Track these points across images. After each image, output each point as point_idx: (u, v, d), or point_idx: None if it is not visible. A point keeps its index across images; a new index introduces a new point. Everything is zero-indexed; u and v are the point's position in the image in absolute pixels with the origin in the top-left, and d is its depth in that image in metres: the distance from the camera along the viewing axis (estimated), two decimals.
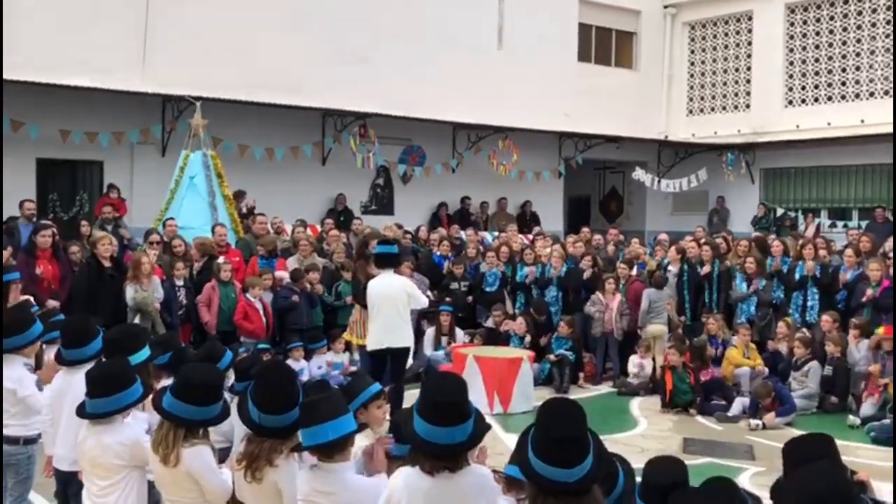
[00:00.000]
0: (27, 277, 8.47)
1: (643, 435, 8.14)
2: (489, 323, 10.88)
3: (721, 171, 18.34)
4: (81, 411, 3.59)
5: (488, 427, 3.02)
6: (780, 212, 17.95)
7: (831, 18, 17.63)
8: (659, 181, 18.03)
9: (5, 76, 11.92)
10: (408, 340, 7.57)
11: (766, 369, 9.19)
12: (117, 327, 4.80)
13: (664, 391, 9.15)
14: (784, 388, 8.69)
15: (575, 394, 9.95)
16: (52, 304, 8.54)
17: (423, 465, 2.78)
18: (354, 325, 8.43)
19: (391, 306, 7.39)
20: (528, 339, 10.14)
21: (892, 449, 7.49)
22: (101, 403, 3.52)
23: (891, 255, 10.17)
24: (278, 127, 14.53)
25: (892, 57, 16.62)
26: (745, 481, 6.56)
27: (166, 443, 3.27)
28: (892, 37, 16.55)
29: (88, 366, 3.90)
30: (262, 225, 11.16)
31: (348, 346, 9.67)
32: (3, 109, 11.79)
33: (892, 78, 16.61)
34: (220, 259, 9.68)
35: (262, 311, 9.50)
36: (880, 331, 8.71)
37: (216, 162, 11.56)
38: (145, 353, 4.11)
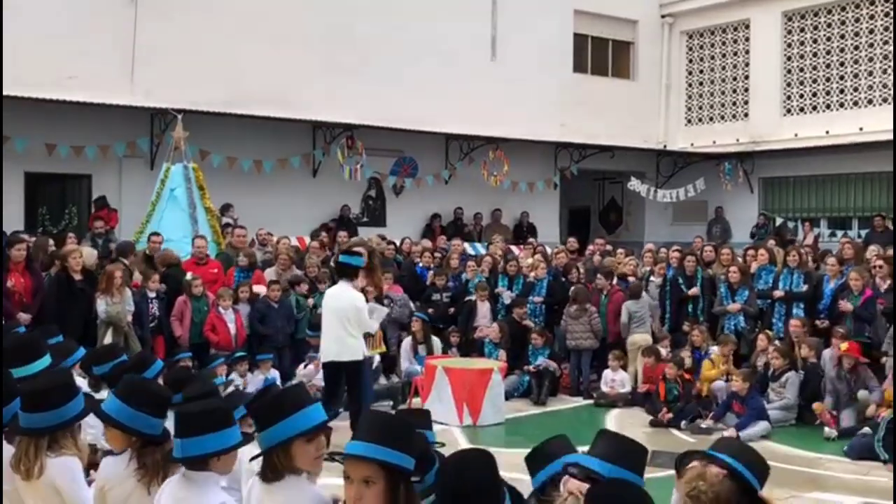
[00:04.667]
0: None
1: None
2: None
3: (720, 180, 18.17)
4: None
5: None
6: (779, 221, 17.72)
7: (829, 26, 17.44)
8: (655, 191, 17.86)
9: None
10: (355, 354, 7.40)
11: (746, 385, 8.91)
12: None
13: (658, 401, 9.04)
14: (756, 399, 8.48)
15: (552, 405, 9.86)
16: (24, 317, 8.58)
17: None
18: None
19: (337, 319, 7.32)
20: (502, 353, 10.00)
21: (864, 463, 7.33)
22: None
23: (876, 263, 9.95)
24: (268, 140, 14.56)
25: (890, 64, 16.40)
26: None
27: (27, 458, 3.14)
28: (890, 44, 16.34)
29: None
30: (240, 238, 11.16)
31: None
32: None
33: (890, 85, 16.39)
34: (189, 276, 9.68)
35: (233, 323, 9.48)
36: (843, 346, 8.52)
37: (198, 174, 11.59)
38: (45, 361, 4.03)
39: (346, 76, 15.07)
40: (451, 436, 8.25)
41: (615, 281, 10.96)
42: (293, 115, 14.25)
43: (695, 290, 10.67)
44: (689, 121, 19.74)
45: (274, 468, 2.61)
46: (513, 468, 6.88)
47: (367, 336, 7.88)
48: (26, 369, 3.75)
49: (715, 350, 9.56)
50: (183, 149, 11.77)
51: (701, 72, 19.54)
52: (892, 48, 16.29)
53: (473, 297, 10.94)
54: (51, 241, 10.15)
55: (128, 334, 8.97)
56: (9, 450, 3.30)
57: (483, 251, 13.67)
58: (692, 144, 19.23)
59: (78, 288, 8.96)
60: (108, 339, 8.79)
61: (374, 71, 15.34)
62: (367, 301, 7.78)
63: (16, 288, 8.76)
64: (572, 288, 10.63)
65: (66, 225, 13.38)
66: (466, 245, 13.92)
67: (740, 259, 11.13)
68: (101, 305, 8.89)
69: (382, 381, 9.94)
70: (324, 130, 15.21)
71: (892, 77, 16.38)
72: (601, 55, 19.33)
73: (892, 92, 16.39)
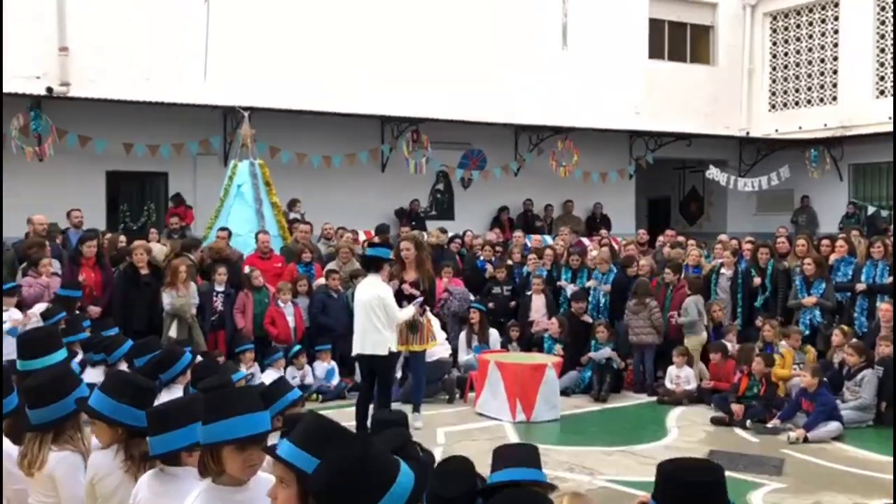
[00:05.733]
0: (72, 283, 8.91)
1: (668, 446, 7.68)
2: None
3: (806, 168, 17.32)
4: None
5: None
6: (870, 210, 16.75)
7: None
8: (736, 180, 17.17)
9: (74, 94, 12.69)
10: (380, 349, 7.33)
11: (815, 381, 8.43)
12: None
13: (734, 396, 8.63)
14: (826, 396, 7.99)
15: (614, 402, 9.59)
16: (94, 310, 8.95)
17: None
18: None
19: (364, 312, 7.30)
20: (558, 348, 9.77)
21: None
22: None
23: None
24: (337, 135, 14.72)
25: None
26: (758, 498, 6.08)
27: (31, 453, 3.22)
28: None
29: None
30: (304, 234, 11.31)
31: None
32: (72, 125, 12.56)
33: None
34: (247, 269, 9.87)
35: (292, 316, 9.62)
36: None
37: (264, 170, 11.80)
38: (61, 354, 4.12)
39: (415, 69, 15.06)
40: (502, 431, 8.16)
41: (684, 275, 10.54)
42: (361, 111, 14.36)
43: (757, 281, 10.15)
44: (774, 106, 18.88)
45: (204, 468, 2.55)
46: (558, 466, 6.79)
47: (416, 330, 7.81)
48: (40, 362, 3.85)
49: (783, 345, 9.06)
50: (250, 146, 12.01)
51: (786, 54, 18.65)
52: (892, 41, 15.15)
53: (530, 292, 10.74)
54: (122, 238, 10.51)
55: (192, 327, 9.20)
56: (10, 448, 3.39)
57: (551, 243, 13.42)
58: (776, 131, 18.39)
59: (144, 282, 9.26)
60: (172, 332, 9.08)
61: (442, 63, 15.28)
62: (408, 292, 7.71)
63: (87, 282, 9.14)
64: (636, 281, 10.29)
65: (146, 221, 13.90)
66: (541, 237, 13.71)
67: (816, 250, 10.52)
68: (167, 298, 9.15)
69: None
70: (392, 125, 15.27)
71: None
72: (679, 40, 18.70)
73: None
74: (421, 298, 7.83)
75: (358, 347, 7.45)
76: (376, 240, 10.36)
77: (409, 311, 7.69)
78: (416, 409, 8.05)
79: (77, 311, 8.34)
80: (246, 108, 12.56)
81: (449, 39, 15.39)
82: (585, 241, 14.69)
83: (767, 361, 8.73)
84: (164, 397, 4.31)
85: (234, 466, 2.52)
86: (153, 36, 13.33)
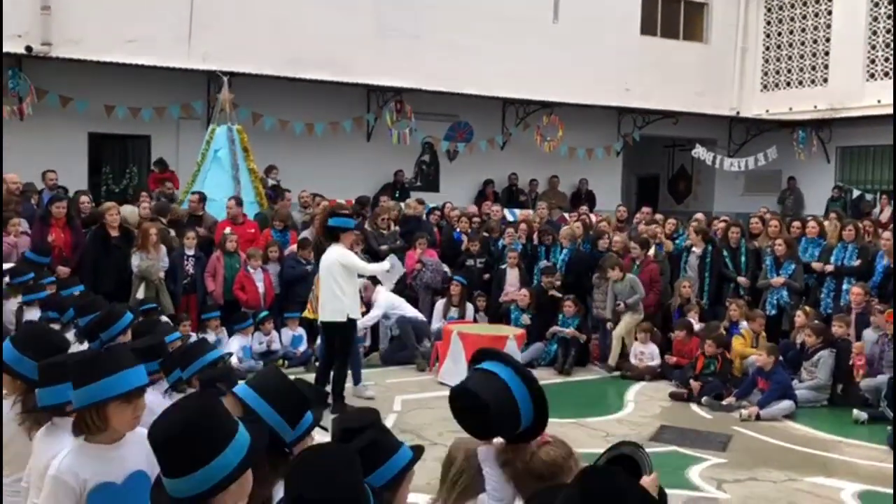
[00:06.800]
0: (41, 244, 8.97)
1: (620, 420, 7.78)
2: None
3: (794, 149, 17.29)
4: None
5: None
6: (855, 193, 16.72)
7: None
8: (721, 160, 17.13)
9: (55, 54, 12.65)
10: (339, 315, 7.39)
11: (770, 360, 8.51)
12: None
13: (691, 373, 8.72)
14: (780, 374, 8.07)
15: (578, 375, 9.69)
16: (63, 270, 9.02)
17: None
18: (312, 302, 8.37)
19: (324, 279, 7.37)
20: (525, 318, 9.86)
21: (887, 448, 6.89)
22: None
23: None
24: (322, 104, 14.66)
25: None
26: (695, 472, 6.16)
27: None
28: None
29: None
30: (286, 201, 11.33)
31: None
32: (52, 86, 12.54)
33: None
34: (227, 230, 9.92)
35: (262, 282, 9.68)
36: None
37: (242, 136, 11.80)
38: None
39: (404, 39, 14.96)
40: None
41: (652, 250, 10.59)
42: (348, 79, 14.29)
43: (743, 281, 10.14)
44: (766, 86, 18.77)
45: (85, 426, 2.61)
46: None
47: None
48: None
49: (744, 325, 9.14)
50: (228, 111, 11.99)
51: (779, 34, 18.50)
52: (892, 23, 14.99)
53: (505, 265, 10.80)
54: (85, 198, 10.42)
55: (159, 289, 9.29)
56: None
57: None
58: (767, 111, 18.31)
59: (113, 244, 9.32)
60: (140, 294, 9.17)
61: (430, 33, 15.19)
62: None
63: (56, 242, 9.20)
64: (605, 256, 10.35)
65: (128, 184, 13.93)
66: (529, 212, 13.75)
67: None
68: (135, 260, 9.23)
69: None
70: (377, 94, 15.21)
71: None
72: (672, 17, 18.55)
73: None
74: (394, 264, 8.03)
75: (321, 314, 7.54)
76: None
77: (384, 264, 7.82)
78: (356, 381, 8.11)
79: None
80: (227, 73, 12.52)
81: (440, 7, 15.28)
82: (567, 216, 14.74)
83: (719, 343, 8.83)
84: None
85: (122, 420, 2.60)
86: None
